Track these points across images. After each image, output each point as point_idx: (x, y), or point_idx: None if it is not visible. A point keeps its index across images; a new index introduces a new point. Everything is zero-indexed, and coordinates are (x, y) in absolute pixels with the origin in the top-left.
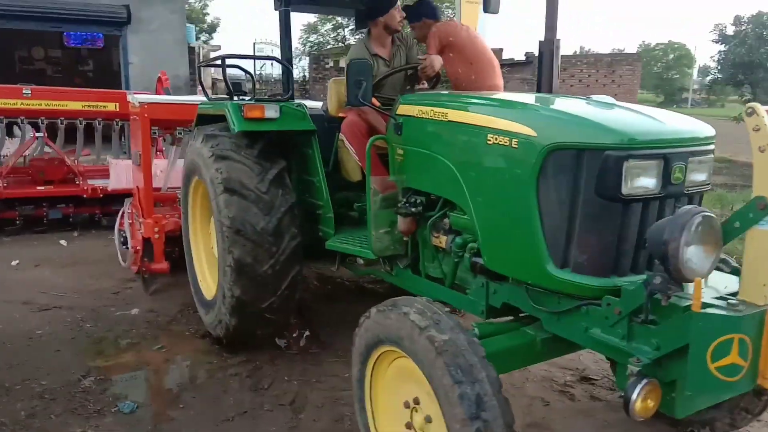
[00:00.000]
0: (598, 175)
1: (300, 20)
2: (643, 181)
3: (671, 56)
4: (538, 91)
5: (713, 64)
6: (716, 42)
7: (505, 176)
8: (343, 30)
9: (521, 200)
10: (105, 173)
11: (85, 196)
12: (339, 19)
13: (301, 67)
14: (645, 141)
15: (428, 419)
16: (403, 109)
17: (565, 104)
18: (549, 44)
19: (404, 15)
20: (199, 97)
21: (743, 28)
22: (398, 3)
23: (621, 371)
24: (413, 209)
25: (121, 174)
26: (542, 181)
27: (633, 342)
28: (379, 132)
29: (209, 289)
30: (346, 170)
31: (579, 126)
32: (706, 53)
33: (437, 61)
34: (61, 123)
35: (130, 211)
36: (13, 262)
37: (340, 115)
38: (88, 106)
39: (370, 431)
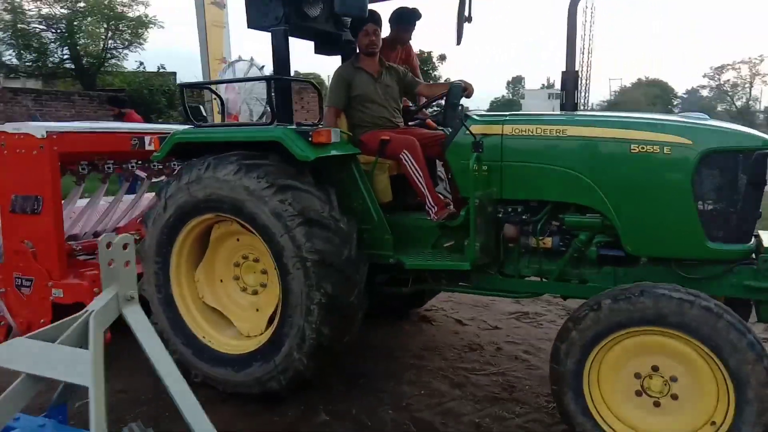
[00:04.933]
0: (751, 168)
1: None
2: None
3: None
4: (562, 110)
5: None
6: None
7: (657, 177)
8: (47, 58)
9: (677, 194)
10: None
11: None
12: (44, 35)
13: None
14: None
15: (673, 379)
16: (479, 128)
17: (692, 120)
18: (572, 74)
19: (372, 40)
20: (108, 124)
21: None
22: (367, 28)
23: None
24: (524, 216)
25: None
26: (697, 177)
27: None
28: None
29: (226, 344)
30: (377, 191)
31: (732, 135)
32: None
33: None
34: None
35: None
36: None
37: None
38: None
39: (589, 412)
